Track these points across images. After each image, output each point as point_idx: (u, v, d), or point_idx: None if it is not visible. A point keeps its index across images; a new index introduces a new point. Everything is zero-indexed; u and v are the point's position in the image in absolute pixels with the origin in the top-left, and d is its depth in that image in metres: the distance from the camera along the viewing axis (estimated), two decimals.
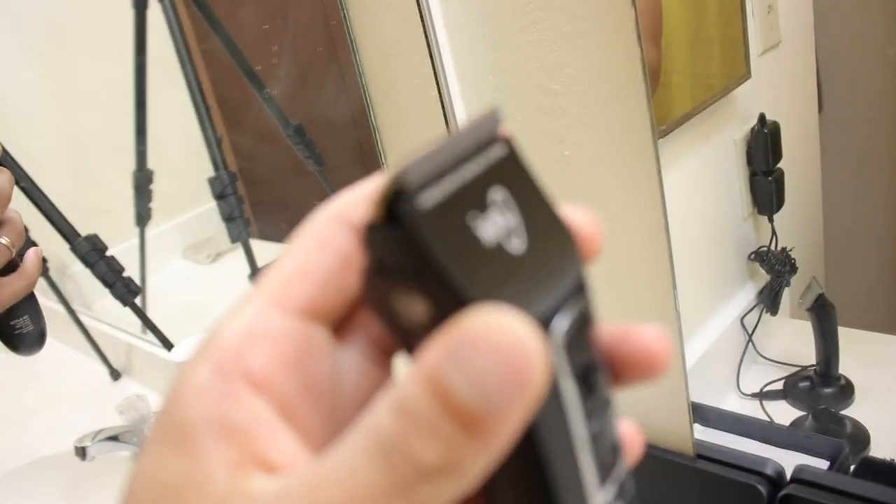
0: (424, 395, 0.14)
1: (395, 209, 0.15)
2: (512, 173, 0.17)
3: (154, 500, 0.16)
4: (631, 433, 0.20)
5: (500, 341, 0.13)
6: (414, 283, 0.16)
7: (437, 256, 0.15)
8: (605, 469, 0.18)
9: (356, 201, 0.19)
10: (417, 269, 0.15)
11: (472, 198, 0.16)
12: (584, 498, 0.17)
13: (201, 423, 0.16)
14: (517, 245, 0.16)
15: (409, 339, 0.17)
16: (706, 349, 0.77)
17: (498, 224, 0.16)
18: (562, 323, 0.16)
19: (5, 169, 0.47)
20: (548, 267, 0.17)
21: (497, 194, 0.17)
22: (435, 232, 0.15)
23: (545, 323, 0.16)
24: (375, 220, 0.16)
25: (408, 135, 0.70)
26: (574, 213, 0.19)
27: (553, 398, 0.16)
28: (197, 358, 0.17)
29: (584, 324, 0.17)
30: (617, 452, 0.19)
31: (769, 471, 0.57)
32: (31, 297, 0.53)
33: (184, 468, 0.16)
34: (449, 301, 0.15)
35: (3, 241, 0.47)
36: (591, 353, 0.17)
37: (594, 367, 0.17)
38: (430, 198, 0.15)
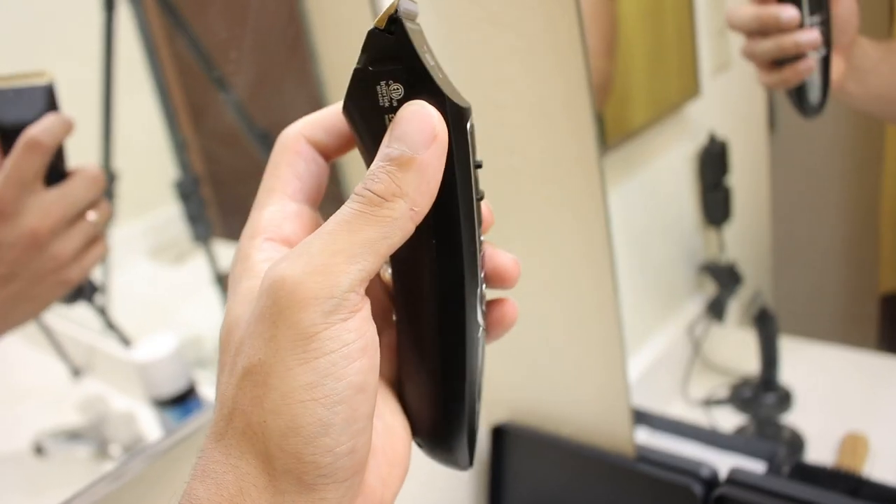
0: (377, 163, 0.24)
1: (394, 21, 0.24)
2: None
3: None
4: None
5: (420, 114, 0.24)
6: (398, 70, 0.24)
7: (419, 55, 0.24)
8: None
9: (306, 124, 0.28)
10: (405, 61, 0.24)
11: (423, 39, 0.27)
12: (474, 231, 0.26)
13: (257, 259, 0.27)
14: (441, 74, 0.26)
15: (375, 120, 0.25)
16: (655, 357, 0.79)
17: (433, 58, 0.26)
18: (470, 120, 0.26)
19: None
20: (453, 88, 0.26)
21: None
22: (414, 42, 0.25)
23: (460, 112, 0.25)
24: (378, 28, 0.24)
25: None
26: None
27: (461, 164, 0.25)
28: (250, 234, 0.27)
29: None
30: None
31: (703, 473, 0.59)
32: None
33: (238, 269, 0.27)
34: (420, 83, 0.25)
35: (92, 219, 0.47)
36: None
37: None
38: (411, 25, 0.25)
